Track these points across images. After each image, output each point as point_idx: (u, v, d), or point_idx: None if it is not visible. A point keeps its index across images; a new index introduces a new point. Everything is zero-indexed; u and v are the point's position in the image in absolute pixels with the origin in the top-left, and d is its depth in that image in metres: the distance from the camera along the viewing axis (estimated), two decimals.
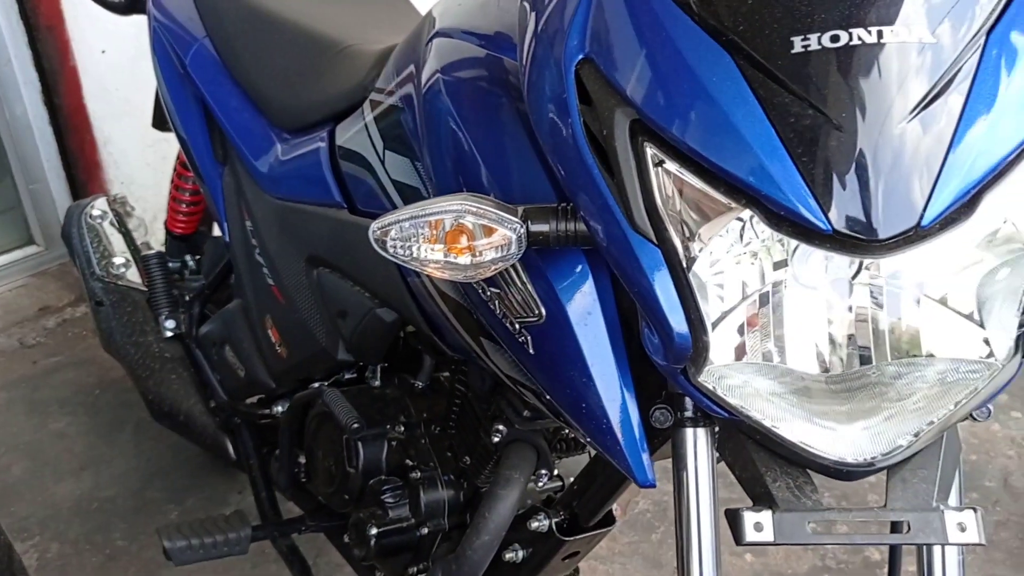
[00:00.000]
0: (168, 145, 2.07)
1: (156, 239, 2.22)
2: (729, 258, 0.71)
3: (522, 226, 0.77)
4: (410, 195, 1.10)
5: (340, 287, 1.30)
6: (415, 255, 0.79)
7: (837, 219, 0.64)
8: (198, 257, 2.01)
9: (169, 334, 1.87)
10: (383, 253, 0.81)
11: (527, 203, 0.80)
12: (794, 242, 0.69)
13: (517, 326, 0.89)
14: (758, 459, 0.80)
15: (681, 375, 0.76)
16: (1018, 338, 0.71)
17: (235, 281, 1.67)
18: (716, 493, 0.84)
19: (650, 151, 0.69)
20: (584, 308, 0.85)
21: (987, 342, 0.71)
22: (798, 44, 0.65)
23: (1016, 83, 0.66)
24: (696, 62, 0.67)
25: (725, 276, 0.72)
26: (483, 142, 0.92)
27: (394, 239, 0.80)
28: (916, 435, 0.73)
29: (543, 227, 0.77)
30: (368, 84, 1.23)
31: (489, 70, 0.95)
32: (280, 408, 1.62)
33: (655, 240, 0.70)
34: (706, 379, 0.75)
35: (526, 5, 0.84)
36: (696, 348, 0.72)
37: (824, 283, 0.71)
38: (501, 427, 1.22)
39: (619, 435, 0.85)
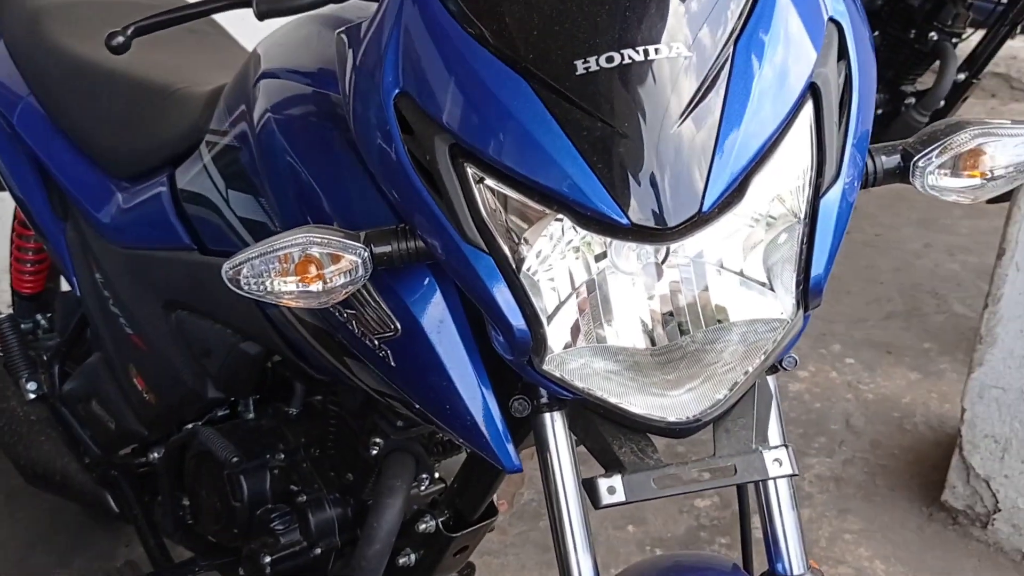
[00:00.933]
0: (3, 205, 2.03)
1: (2, 300, 2.16)
2: (555, 256, 0.79)
3: (365, 250, 0.83)
4: (258, 230, 1.14)
5: (201, 327, 1.33)
6: (269, 289, 0.84)
7: (634, 214, 0.74)
8: (49, 315, 1.98)
9: (32, 396, 1.84)
10: (238, 291, 0.85)
11: (370, 227, 0.86)
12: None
13: (376, 342, 0.96)
14: (604, 431, 0.89)
15: (528, 366, 0.83)
16: (798, 297, 0.81)
17: (92, 334, 1.66)
18: (577, 469, 0.92)
19: (470, 171, 0.77)
20: (436, 317, 0.92)
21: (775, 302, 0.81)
22: (580, 67, 0.75)
23: (765, 79, 0.77)
24: (498, 89, 0.76)
25: (554, 272, 0.80)
26: (320, 175, 0.99)
27: (247, 276, 0.84)
28: (731, 389, 0.83)
29: (386, 248, 0.84)
30: (202, 126, 1.26)
31: (317, 105, 1.02)
32: (156, 454, 1.61)
33: (486, 249, 0.78)
34: (550, 367, 0.83)
35: (344, 39, 0.91)
36: (536, 340, 0.80)
37: (638, 269, 0.80)
38: (378, 440, 1.28)
39: (484, 429, 0.93)
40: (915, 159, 0.85)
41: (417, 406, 0.99)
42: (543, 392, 0.91)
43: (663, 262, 0.80)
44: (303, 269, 0.83)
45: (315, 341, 1.11)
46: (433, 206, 0.79)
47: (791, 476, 0.90)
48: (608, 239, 0.78)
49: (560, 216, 0.77)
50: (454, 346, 0.92)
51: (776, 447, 0.89)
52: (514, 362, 0.85)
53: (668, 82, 0.75)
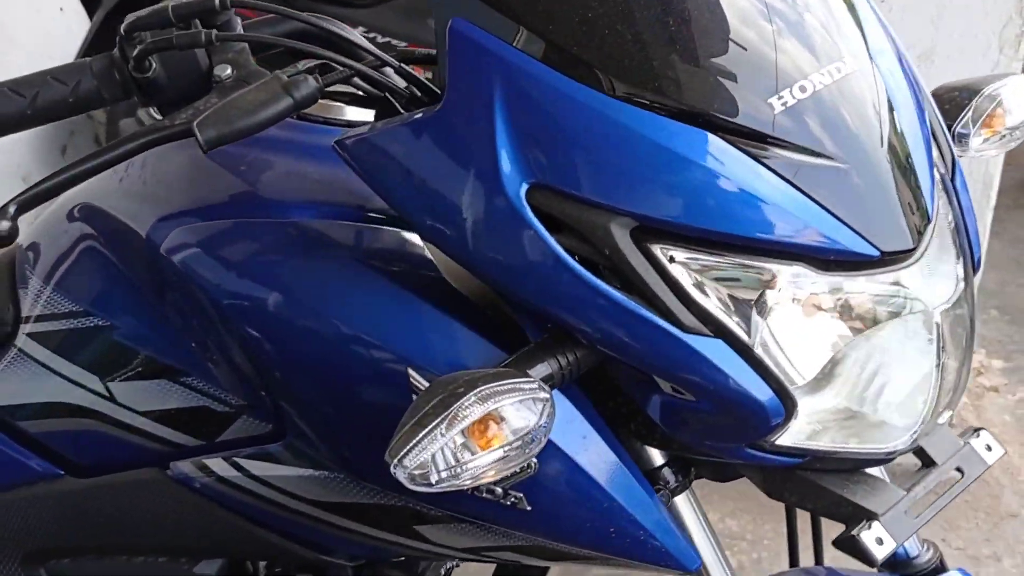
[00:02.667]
0: None
1: None
2: (794, 314, 0.69)
3: (542, 385, 0.67)
4: (198, 419, 0.90)
5: (101, 568, 1.02)
6: (472, 473, 0.66)
7: (882, 241, 0.68)
8: None
9: None
10: (423, 489, 0.66)
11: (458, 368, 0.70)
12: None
13: (502, 489, 0.78)
14: (827, 484, 0.79)
15: (747, 448, 0.73)
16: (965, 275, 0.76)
17: None
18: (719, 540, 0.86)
19: (659, 251, 0.67)
20: (578, 433, 0.77)
21: None
22: (777, 104, 0.67)
23: (896, 79, 0.76)
24: (686, 150, 0.66)
25: (800, 334, 0.70)
26: (355, 318, 0.79)
27: (441, 469, 0.65)
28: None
29: (546, 371, 0.70)
30: (4, 317, 0.98)
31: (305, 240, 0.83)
32: None
33: (710, 332, 0.67)
34: (787, 439, 0.73)
35: (363, 148, 0.73)
36: (788, 414, 0.70)
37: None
38: None
39: (659, 537, 0.79)
40: (953, 128, 0.86)
41: (564, 547, 0.82)
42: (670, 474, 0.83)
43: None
44: (479, 433, 0.65)
45: (353, 521, 0.88)
46: (627, 304, 0.67)
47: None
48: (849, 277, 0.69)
49: (796, 270, 0.68)
50: (604, 459, 0.77)
51: (976, 433, 0.85)
52: (728, 448, 0.74)
53: (865, 96, 0.72)
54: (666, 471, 0.83)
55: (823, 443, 0.74)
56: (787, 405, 0.70)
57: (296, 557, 0.92)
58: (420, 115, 0.70)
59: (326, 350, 0.78)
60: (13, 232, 0.71)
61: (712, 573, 0.84)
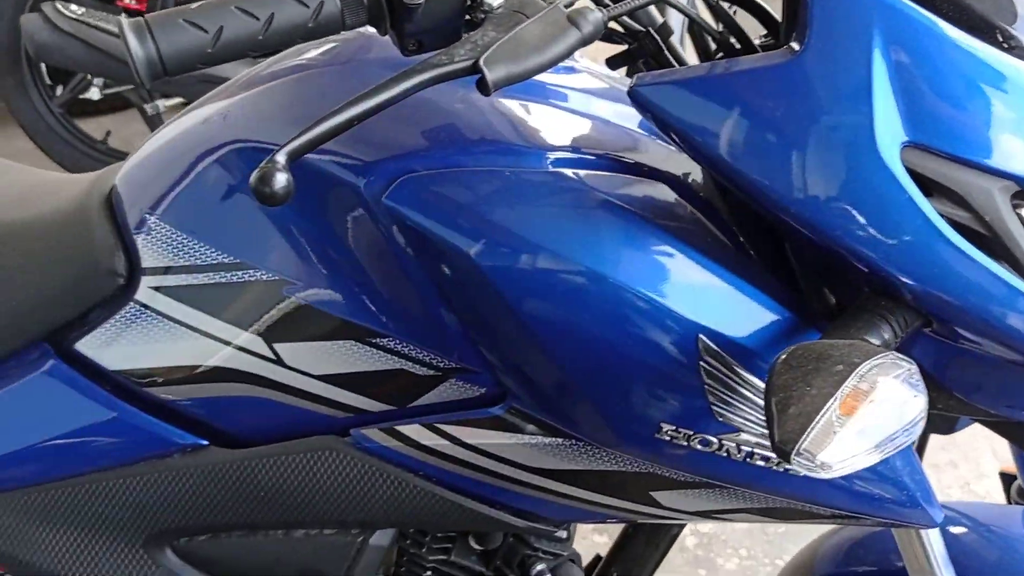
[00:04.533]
0: None
1: None
2: None
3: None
4: (392, 383, 0.81)
5: (239, 548, 0.91)
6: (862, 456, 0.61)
7: None
8: None
9: None
10: (821, 474, 0.60)
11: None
12: None
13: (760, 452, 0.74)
14: None
15: None
16: None
17: None
18: None
19: None
20: None
21: None
22: None
23: None
24: None
25: None
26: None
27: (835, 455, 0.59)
28: None
29: (884, 337, 0.65)
30: (113, 269, 0.85)
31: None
32: None
33: None
34: None
35: (666, 92, 0.67)
36: None
37: None
38: (540, 567, 0.96)
39: (917, 493, 0.77)
40: None
41: (817, 508, 0.79)
42: None
43: None
44: (850, 408, 0.59)
45: (581, 488, 0.82)
46: (1004, 276, 0.62)
47: None
48: None
49: None
50: None
51: None
52: None
53: None
54: None
55: None
56: None
57: (493, 523, 0.86)
58: (767, 60, 0.63)
59: (590, 311, 0.71)
60: (290, 184, 0.60)
61: None
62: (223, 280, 0.81)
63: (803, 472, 0.60)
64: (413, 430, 0.82)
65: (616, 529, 1.15)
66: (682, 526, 1.09)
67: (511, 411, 0.79)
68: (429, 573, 1.00)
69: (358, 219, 0.76)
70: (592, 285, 0.71)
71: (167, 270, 0.83)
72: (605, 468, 0.79)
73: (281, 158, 0.60)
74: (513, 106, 0.80)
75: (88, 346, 0.86)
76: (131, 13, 2.65)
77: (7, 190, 0.99)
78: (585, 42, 0.66)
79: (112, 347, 0.86)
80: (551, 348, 0.73)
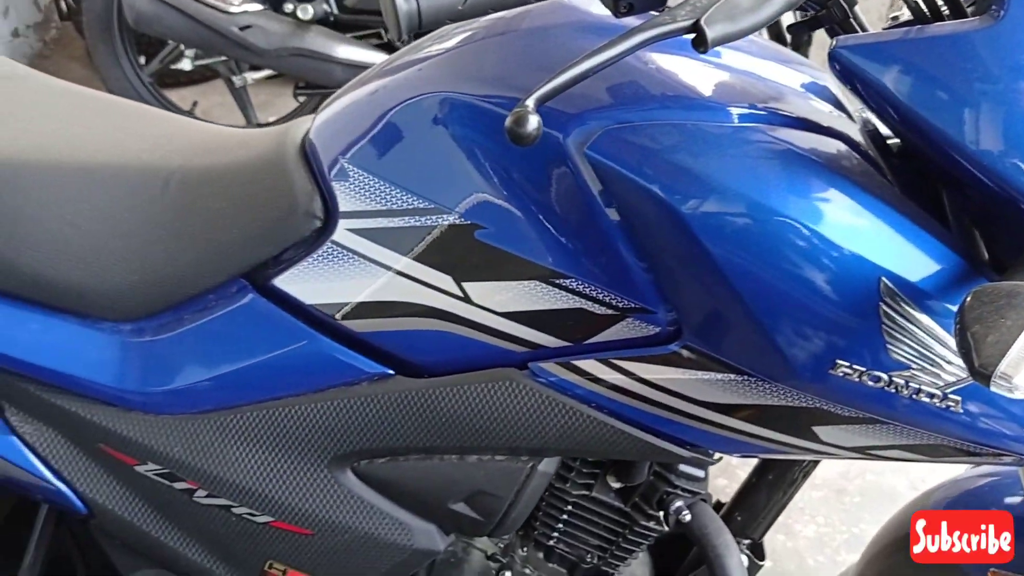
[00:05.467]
0: None
1: None
2: None
3: None
4: (571, 320, 0.88)
5: (415, 470, 1.00)
6: None
7: None
8: None
9: None
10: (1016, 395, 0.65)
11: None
12: None
13: (939, 394, 0.80)
14: None
15: None
16: None
17: (126, 558, 1.14)
18: None
19: None
20: None
21: None
22: None
23: None
24: None
25: None
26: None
27: None
28: None
29: None
30: (311, 211, 0.92)
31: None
32: None
33: None
34: None
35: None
36: None
37: None
38: (679, 504, 1.04)
39: None
40: None
41: (971, 447, 0.84)
42: None
43: None
44: None
45: (745, 422, 0.88)
46: None
47: None
48: None
49: None
50: None
51: None
52: None
53: None
54: None
55: None
56: None
57: (658, 453, 0.93)
58: (965, 26, 0.70)
59: (782, 255, 0.78)
60: (540, 127, 0.67)
61: None
62: (417, 223, 0.88)
63: (1002, 393, 0.66)
64: (589, 364, 0.89)
65: (741, 474, 1.21)
66: (806, 476, 1.15)
67: (686, 348, 0.85)
68: (570, 507, 1.08)
69: (556, 168, 0.83)
70: (785, 230, 0.77)
71: (363, 213, 0.90)
72: (772, 403, 0.86)
73: (531, 103, 0.67)
74: (699, 66, 0.87)
75: (285, 282, 0.94)
76: None
77: (200, 142, 1.07)
78: (791, 5, 0.72)
79: (308, 283, 0.93)
80: (741, 289, 0.79)
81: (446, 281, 0.89)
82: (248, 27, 2.63)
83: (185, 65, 2.98)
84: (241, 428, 0.98)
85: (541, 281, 0.87)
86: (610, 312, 0.87)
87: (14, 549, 1.24)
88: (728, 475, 1.94)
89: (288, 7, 2.73)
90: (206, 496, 1.01)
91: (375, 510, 1.01)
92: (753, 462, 1.20)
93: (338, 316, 0.93)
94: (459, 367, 0.93)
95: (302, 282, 0.93)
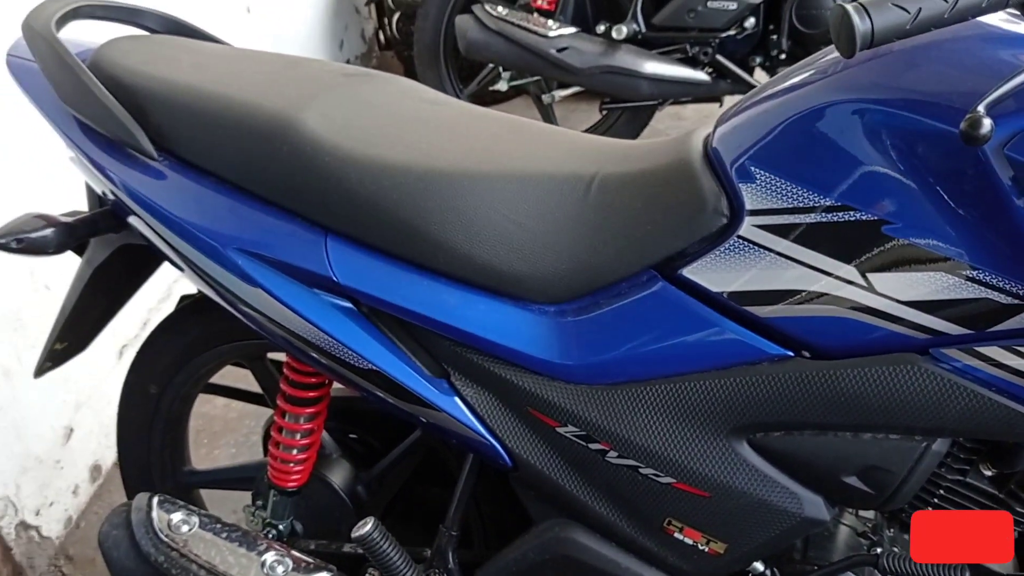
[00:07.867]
0: None
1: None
2: None
3: None
4: (974, 309, 0.94)
5: (809, 444, 1.09)
6: None
7: None
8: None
9: None
10: None
11: None
12: None
13: None
14: None
15: None
16: None
17: (540, 507, 1.30)
18: None
19: None
20: None
21: None
22: None
23: None
24: None
25: None
26: None
27: None
28: None
29: None
30: (718, 209, 1.04)
31: None
32: None
33: None
34: None
35: None
36: None
37: None
38: None
39: None
40: None
41: None
42: None
43: None
44: None
45: None
46: None
47: None
48: None
49: None
50: None
51: None
52: None
53: None
54: None
55: None
56: None
57: None
58: None
59: None
60: (993, 129, 0.76)
61: None
62: (824, 220, 0.98)
63: None
64: (992, 351, 0.94)
65: None
66: None
67: None
68: (942, 491, 1.13)
69: (969, 167, 0.90)
70: None
71: (770, 211, 1.01)
72: None
73: (982, 108, 0.76)
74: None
75: (692, 272, 1.07)
76: (542, 13, 2.97)
77: (609, 152, 1.23)
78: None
79: (714, 272, 1.05)
80: None
81: (851, 272, 0.98)
82: (565, 48, 2.84)
83: (501, 86, 3.25)
84: (651, 399, 1.12)
85: (948, 272, 0.94)
86: (1016, 302, 0.92)
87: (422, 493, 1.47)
88: None
89: (600, 28, 2.92)
90: (617, 457, 1.16)
91: (768, 479, 1.11)
92: None
93: (742, 303, 1.05)
94: (859, 351, 1.00)
95: (708, 272, 1.06)
